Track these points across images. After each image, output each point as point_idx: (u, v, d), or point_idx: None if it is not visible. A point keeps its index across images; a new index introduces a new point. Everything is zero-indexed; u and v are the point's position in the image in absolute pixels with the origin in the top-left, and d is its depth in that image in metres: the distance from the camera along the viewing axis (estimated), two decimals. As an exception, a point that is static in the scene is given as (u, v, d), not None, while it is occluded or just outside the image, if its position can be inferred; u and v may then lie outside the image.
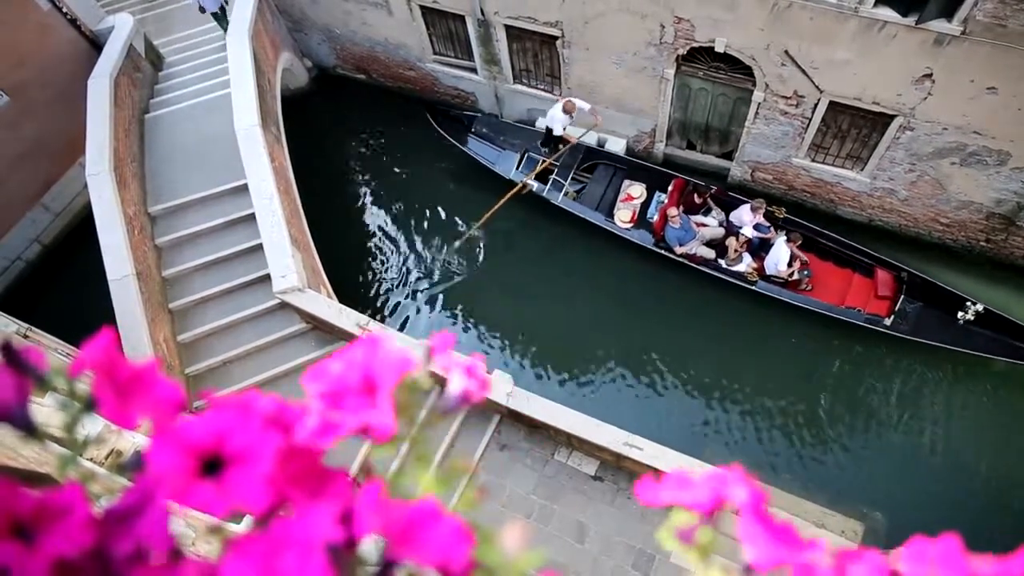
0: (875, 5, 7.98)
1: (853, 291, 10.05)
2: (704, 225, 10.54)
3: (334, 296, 9.50)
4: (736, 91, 10.28)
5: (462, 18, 11.42)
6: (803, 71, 9.12)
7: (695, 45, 9.64)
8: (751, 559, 0.49)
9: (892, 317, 9.56)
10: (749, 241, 10.13)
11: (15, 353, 0.54)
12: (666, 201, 10.52)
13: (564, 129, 10.90)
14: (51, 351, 7.38)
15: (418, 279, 11.71)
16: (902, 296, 9.66)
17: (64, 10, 11.35)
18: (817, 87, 9.24)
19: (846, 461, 9.41)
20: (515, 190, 10.94)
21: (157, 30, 13.11)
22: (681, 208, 10.40)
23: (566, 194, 11.16)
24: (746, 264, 10.07)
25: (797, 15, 8.47)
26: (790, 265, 9.78)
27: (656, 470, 6.92)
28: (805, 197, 11.43)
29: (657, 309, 10.78)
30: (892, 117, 9.18)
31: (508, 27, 11.05)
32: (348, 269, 11.33)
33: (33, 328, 7.96)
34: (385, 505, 0.46)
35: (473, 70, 12.47)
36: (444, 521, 0.46)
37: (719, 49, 9.46)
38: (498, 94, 12.66)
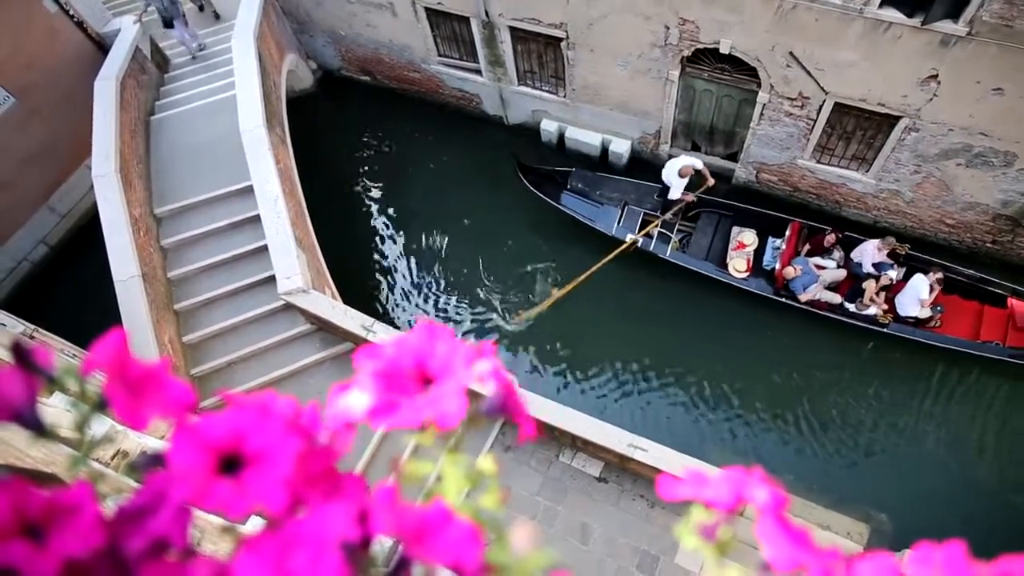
0: (880, 6, 7.96)
1: (987, 324, 9.47)
2: (823, 267, 9.94)
3: (339, 297, 9.52)
4: (741, 92, 10.27)
5: (466, 20, 11.43)
6: (808, 72, 9.10)
7: (700, 47, 9.62)
8: (769, 559, 0.48)
9: None
10: (888, 287, 9.55)
11: (25, 353, 0.54)
12: (784, 247, 9.98)
13: (681, 193, 10.25)
14: (58, 352, 7.41)
15: (426, 282, 11.72)
16: None
17: (71, 13, 11.41)
18: (822, 88, 9.22)
19: (851, 463, 9.38)
20: (623, 247, 10.29)
21: (162, 32, 13.13)
22: (806, 250, 10.05)
23: (674, 247, 10.61)
24: (876, 306, 9.53)
25: (802, 16, 8.46)
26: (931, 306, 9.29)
27: (660, 472, 6.91)
28: (810, 199, 11.41)
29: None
30: (898, 118, 9.16)
31: (513, 28, 11.06)
32: (353, 270, 11.35)
33: (39, 329, 8.01)
34: (399, 506, 0.46)
35: (478, 72, 12.48)
36: (457, 522, 0.46)
37: (724, 51, 9.45)
38: (503, 96, 12.67)
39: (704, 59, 9.95)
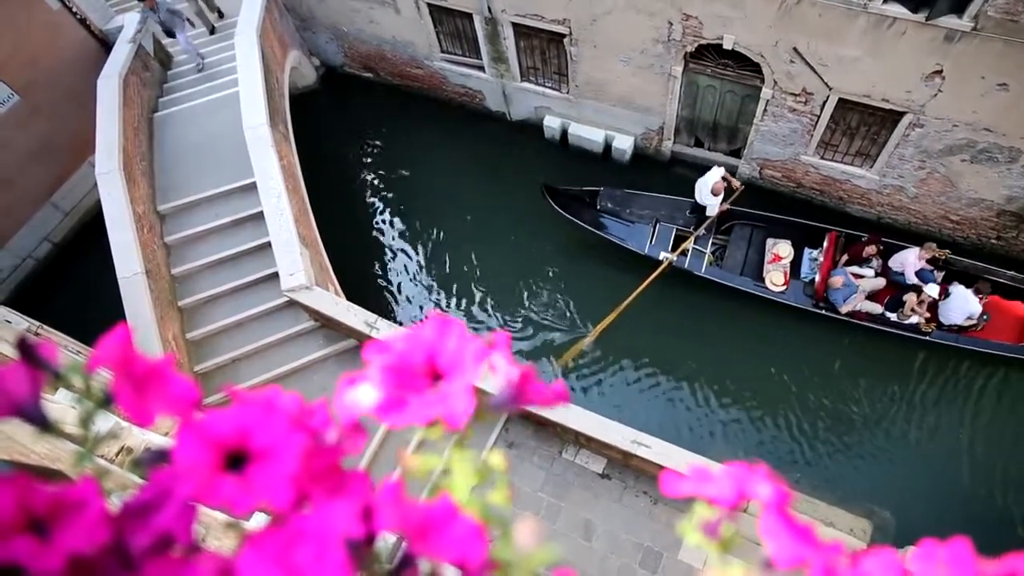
0: (885, 2, 7.93)
1: None
2: (861, 276, 9.71)
3: (342, 294, 9.52)
4: (744, 88, 10.24)
5: (469, 16, 11.42)
6: (812, 68, 9.07)
7: (703, 42, 9.60)
8: (772, 555, 0.48)
9: None
10: (931, 302, 9.30)
11: (30, 349, 0.54)
12: (821, 259, 9.77)
13: (716, 208, 10.10)
14: (62, 349, 7.43)
15: (429, 278, 11.72)
16: None
17: (74, 10, 11.43)
18: (826, 84, 9.20)
19: (855, 459, 9.37)
20: (662, 269, 9.99)
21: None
22: (844, 260, 9.89)
23: (708, 262, 10.34)
24: (918, 316, 9.33)
25: (806, 12, 8.43)
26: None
27: (663, 468, 6.91)
28: (814, 195, 11.38)
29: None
30: (902, 114, 9.13)
31: (516, 25, 11.04)
32: (357, 267, 11.35)
33: (44, 326, 8.03)
34: (403, 502, 0.46)
35: (481, 68, 12.46)
36: (461, 519, 0.46)
37: (727, 46, 9.42)
38: (506, 92, 12.65)
39: (707, 55, 9.92)
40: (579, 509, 7.75)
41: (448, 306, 11.37)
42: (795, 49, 8.95)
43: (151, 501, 0.46)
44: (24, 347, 0.54)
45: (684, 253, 10.22)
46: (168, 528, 0.45)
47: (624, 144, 12.08)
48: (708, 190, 9.82)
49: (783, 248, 10.23)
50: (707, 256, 10.31)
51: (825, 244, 9.83)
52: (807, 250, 10.23)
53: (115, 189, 8.84)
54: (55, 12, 11.15)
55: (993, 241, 10.41)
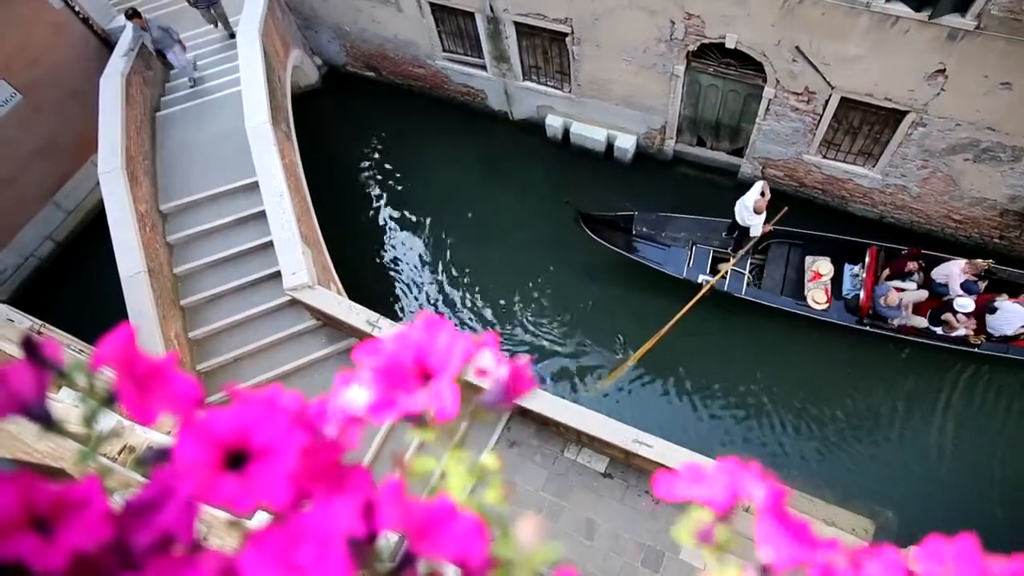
0: (887, 0, 7.92)
1: None
2: (902, 290, 9.50)
3: (344, 293, 9.53)
4: (747, 87, 10.23)
5: (471, 15, 11.41)
6: (814, 67, 9.05)
7: (705, 41, 9.59)
8: (768, 559, 0.48)
9: None
10: (976, 318, 9.13)
11: (35, 347, 0.54)
12: (863, 275, 9.62)
13: (759, 228, 9.74)
14: (65, 348, 7.44)
15: (431, 276, 11.72)
16: None
17: (76, 9, 11.44)
18: (828, 83, 9.18)
19: (856, 458, 9.36)
20: (703, 292, 9.75)
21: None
22: (886, 274, 9.68)
23: (748, 283, 10.15)
24: (965, 327, 9.16)
25: (808, 10, 8.41)
26: None
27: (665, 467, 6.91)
28: (816, 194, 11.36)
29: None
30: (904, 113, 9.11)
31: (518, 24, 11.03)
32: (359, 266, 11.36)
33: (47, 325, 8.05)
34: (405, 501, 0.46)
35: (483, 67, 12.45)
36: (462, 517, 0.46)
37: (730, 45, 9.41)
38: (508, 91, 12.65)
39: (710, 54, 9.91)
40: (581, 508, 7.76)
41: (454, 301, 11.36)
42: (797, 48, 8.94)
43: (153, 500, 0.47)
44: (28, 346, 0.55)
45: (724, 275, 10.04)
46: (170, 527, 0.46)
47: (626, 143, 12.07)
48: (750, 209, 9.42)
49: (823, 265, 10.08)
50: (747, 276, 10.14)
51: (867, 260, 9.68)
52: (847, 266, 10.08)
53: (117, 188, 8.85)
54: (57, 11, 11.16)
55: (996, 240, 10.39)
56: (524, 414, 8.04)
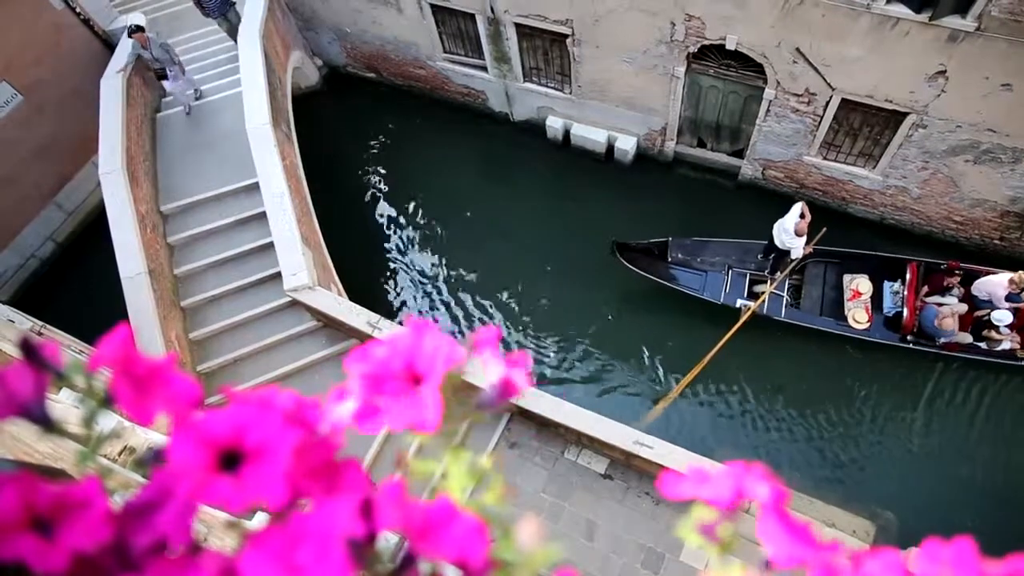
0: (888, 2, 7.92)
1: None
2: (943, 305, 9.35)
3: (345, 294, 9.53)
4: (747, 89, 10.23)
5: (472, 16, 11.42)
6: (815, 68, 9.06)
7: (706, 43, 9.59)
8: (770, 556, 0.48)
9: None
10: (1018, 330, 9.03)
11: (34, 349, 0.54)
12: (904, 291, 9.49)
13: (800, 251, 9.49)
14: (65, 348, 7.44)
15: (431, 278, 11.72)
16: None
17: (77, 10, 11.45)
18: (829, 84, 9.18)
19: (857, 460, 9.35)
20: (745, 318, 9.58)
21: (170, 29, 13.15)
22: (925, 290, 9.53)
23: (787, 304, 10.00)
24: (1011, 340, 9.10)
25: (808, 12, 8.42)
26: None
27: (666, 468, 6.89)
28: (816, 195, 11.36)
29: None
30: (905, 115, 9.11)
31: (518, 25, 11.04)
32: (360, 267, 11.35)
33: (47, 325, 8.06)
34: (405, 501, 0.46)
35: (483, 68, 12.46)
36: (462, 518, 0.46)
37: (730, 47, 9.41)
38: (508, 92, 12.66)
39: (710, 55, 9.92)
40: (581, 509, 7.75)
41: (449, 302, 11.37)
42: (798, 49, 8.94)
43: (152, 501, 0.47)
44: (27, 347, 0.54)
45: (764, 300, 9.89)
46: (168, 528, 0.46)
47: (627, 145, 12.07)
48: (791, 232, 9.13)
49: (862, 284, 9.90)
50: (784, 298, 10.01)
51: (908, 276, 9.54)
52: (886, 283, 9.93)
53: (118, 189, 8.85)
54: (58, 12, 11.17)
55: (996, 242, 10.39)
56: (525, 415, 8.04)
